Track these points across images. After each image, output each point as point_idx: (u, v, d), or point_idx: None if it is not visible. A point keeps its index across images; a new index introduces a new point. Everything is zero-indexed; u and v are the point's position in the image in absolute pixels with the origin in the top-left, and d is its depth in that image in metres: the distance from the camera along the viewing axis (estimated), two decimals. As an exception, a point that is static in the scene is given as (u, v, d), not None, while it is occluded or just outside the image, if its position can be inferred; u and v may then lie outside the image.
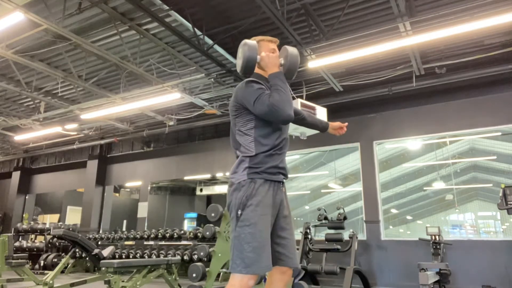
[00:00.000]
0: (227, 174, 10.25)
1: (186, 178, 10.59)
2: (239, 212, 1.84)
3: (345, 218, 6.29)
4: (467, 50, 6.48)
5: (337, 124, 2.59)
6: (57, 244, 10.09)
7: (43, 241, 10.32)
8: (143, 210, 10.62)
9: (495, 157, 6.86)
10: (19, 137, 10.50)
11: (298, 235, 6.63)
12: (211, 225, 7.13)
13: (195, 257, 7.39)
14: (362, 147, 7.78)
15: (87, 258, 8.43)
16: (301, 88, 7.71)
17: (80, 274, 8.99)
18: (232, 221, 1.88)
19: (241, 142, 1.99)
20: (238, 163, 1.98)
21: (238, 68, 2.07)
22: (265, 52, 2.09)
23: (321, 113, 6.36)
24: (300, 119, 2.47)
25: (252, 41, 2.04)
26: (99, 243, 9.71)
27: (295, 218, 8.67)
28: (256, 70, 2.10)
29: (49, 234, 10.24)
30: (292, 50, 2.05)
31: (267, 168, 1.93)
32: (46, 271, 8.71)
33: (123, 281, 4.65)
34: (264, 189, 1.90)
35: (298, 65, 2.04)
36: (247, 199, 1.85)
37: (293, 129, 6.32)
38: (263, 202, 1.87)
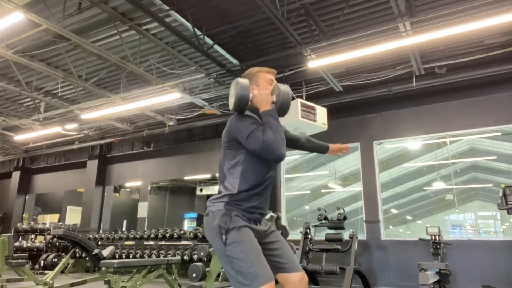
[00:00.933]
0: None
1: (186, 178, 10.59)
2: (224, 237, 1.84)
3: (345, 218, 6.29)
4: (467, 50, 6.48)
5: (336, 146, 2.61)
6: (57, 244, 10.09)
7: (43, 241, 10.32)
8: (143, 210, 10.62)
9: (495, 157, 6.86)
10: (19, 137, 10.50)
11: (298, 235, 6.63)
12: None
13: (195, 257, 7.39)
14: (362, 147, 7.78)
15: (87, 258, 8.43)
16: (301, 88, 7.71)
17: (80, 274, 8.99)
18: (219, 252, 1.86)
19: (227, 176, 1.99)
20: (217, 197, 1.98)
21: (231, 106, 2.05)
22: (263, 83, 2.09)
23: (321, 113, 6.35)
24: (299, 145, 2.47)
25: (244, 80, 2.02)
26: (99, 243, 9.70)
27: (295, 218, 8.68)
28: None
29: (49, 234, 10.24)
30: (284, 87, 2.03)
31: (245, 208, 1.94)
32: (46, 271, 8.71)
33: (123, 281, 4.65)
34: (241, 213, 1.92)
35: (290, 102, 2.03)
36: (226, 224, 1.86)
37: (293, 129, 6.32)
38: (244, 223, 1.89)
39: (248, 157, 1.96)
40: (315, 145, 2.54)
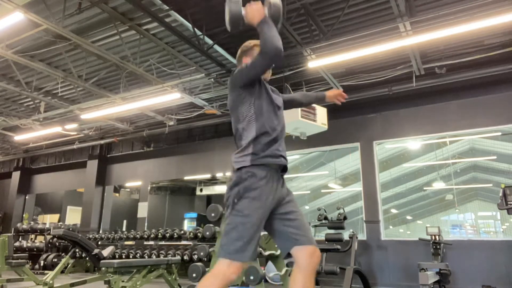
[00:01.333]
0: (227, 174, 10.26)
1: (186, 178, 10.59)
2: (235, 201, 1.90)
3: (345, 218, 6.29)
4: (467, 50, 6.48)
5: (333, 92, 2.64)
6: (57, 244, 10.09)
7: (43, 241, 10.32)
8: (143, 210, 10.61)
9: (495, 157, 6.86)
10: (19, 137, 10.50)
11: (298, 235, 6.61)
12: (211, 225, 7.11)
13: (195, 257, 7.39)
14: (362, 147, 7.78)
15: (87, 258, 8.43)
16: (301, 88, 7.71)
17: (80, 274, 8.99)
18: (228, 209, 1.94)
19: (243, 130, 2.06)
20: (241, 151, 2.02)
21: (227, 26, 2.11)
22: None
23: (321, 113, 6.36)
24: (297, 103, 2.53)
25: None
26: (99, 243, 9.70)
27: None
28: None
29: (49, 234, 10.23)
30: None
31: (270, 152, 1.99)
32: (46, 271, 8.71)
33: (123, 281, 4.65)
34: (264, 183, 1.93)
35: (281, 11, 2.09)
36: (245, 191, 1.90)
37: (293, 129, 6.32)
38: (261, 196, 1.91)
39: (257, 109, 2.04)
40: (312, 98, 2.60)
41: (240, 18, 2.04)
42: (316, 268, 1.99)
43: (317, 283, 6.38)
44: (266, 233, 2.13)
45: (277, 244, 2.05)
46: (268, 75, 2.27)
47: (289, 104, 2.49)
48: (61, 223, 12.22)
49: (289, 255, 1.98)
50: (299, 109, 5.69)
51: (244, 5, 2.06)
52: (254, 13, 2.03)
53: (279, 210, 2.01)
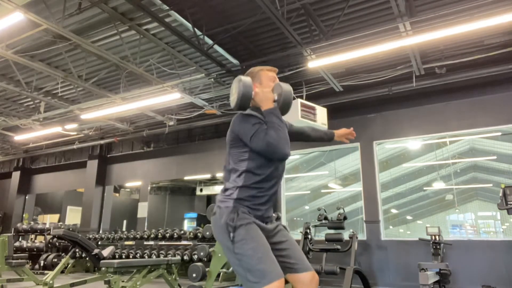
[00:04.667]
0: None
1: (186, 178, 10.59)
2: (231, 235, 1.83)
3: (345, 218, 6.29)
4: (467, 50, 6.48)
5: (342, 131, 2.61)
6: (57, 244, 10.09)
7: (43, 241, 10.32)
8: (143, 210, 10.61)
9: (495, 157, 6.86)
10: (19, 137, 10.50)
11: (298, 235, 6.62)
12: (211, 225, 7.12)
13: (195, 257, 7.39)
14: (362, 147, 7.78)
15: (87, 258, 8.43)
16: (301, 88, 7.71)
17: (80, 274, 8.99)
18: (228, 251, 1.85)
19: (232, 174, 1.99)
20: (224, 196, 1.97)
21: (232, 104, 2.06)
22: (265, 81, 2.12)
23: (321, 113, 6.36)
24: (305, 137, 2.48)
25: (246, 78, 2.04)
26: (99, 243, 9.70)
27: (295, 218, 8.68)
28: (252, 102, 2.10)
29: (49, 234, 10.24)
30: (285, 86, 2.05)
31: (252, 204, 1.93)
32: (46, 271, 8.71)
33: (123, 281, 4.65)
34: (247, 215, 1.90)
35: (291, 100, 2.04)
36: (234, 221, 1.85)
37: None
38: (252, 221, 1.88)
39: (253, 155, 1.96)
40: (321, 134, 2.55)
41: (249, 101, 2.01)
42: None
43: (317, 283, 6.37)
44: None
45: None
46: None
47: (297, 136, 2.42)
48: (61, 223, 12.21)
49: (286, 282, 1.91)
50: (299, 109, 5.68)
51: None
52: (263, 98, 2.00)
53: (270, 240, 1.95)
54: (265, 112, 1.96)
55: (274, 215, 2.10)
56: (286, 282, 1.89)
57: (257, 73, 2.17)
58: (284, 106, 2.03)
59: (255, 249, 1.78)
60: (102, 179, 11.53)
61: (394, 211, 7.66)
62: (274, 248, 1.94)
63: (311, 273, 1.93)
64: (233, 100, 2.06)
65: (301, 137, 2.46)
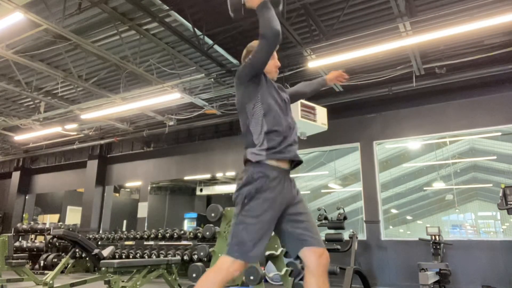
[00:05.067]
0: (227, 174, 10.25)
1: (186, 178, 10.59)
2: (246, 201, 1.89)
3: (345, 218, 6.29)
4: (467, 50, 6.48)
5: (332, 74, 2.66)
6: (57, 244, 10.09)
7: (43, 241, 10.32)
8: (143, 210, 10.61)
9: (495, 157, 6.86)
10: (19, 137, 10.50)
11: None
12: (211, 225, 7.12)
13: (195, 257, 7.39)
14: (362, 147, 7.78)
15: (87, 258, 8.43)
16: (301, 88, 7.70)
17: (80, 274, 8.99)
18: (237, 207, 1.93)
19: (251, 125, 2.04)
20: (254, 146, 2.01)
21: (230, 12, 2.17)
22: None
23: (321, 113, 6.36)
24: (302, 95, 2.54)
25: None
26: (99, 243, 9.70)
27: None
28: None
29: (49, 234, 10.23)
30: None
31: (282, 148, 1.98)
32: (46, 271, 8.71)
33: (123, 281, 4.65)
34: (275, 184, 1.93)
35: None
36: (257, 192, 1.89)
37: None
38: (272, 198, 1.90)
39: (266, 105, 2.03)
40: (314, 85, 2.61)
41: (240, 4, 2.09)
42: (326, 269, 1.98)
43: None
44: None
45: (285, 245, 2.04)
46: (275, 74, 2.28)
47: (294, 97, 2.49)
48: (61, 223, 12.21)
49: (298, 257, 1.99)
50: (299, 109, 5.68)
51: None
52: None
53: (288, 211, 2.00)
54: (257, 9, 2.02)
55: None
56: (298, 257, 1.98)
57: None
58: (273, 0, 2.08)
59: (254, 226, 1.85)
60: (102, 179, 11.53)
61: (394, 211, 7.66)
62: (293, 219, 1.99)
63: (322, 249, 1.98)
64: (229, 9, 2.16)
65: (298, 97, 2.53)
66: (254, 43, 2.26)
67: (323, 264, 1.95)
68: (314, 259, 1.94)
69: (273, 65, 2.29)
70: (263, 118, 2.02)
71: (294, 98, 2.49)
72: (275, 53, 2.25)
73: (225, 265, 1.84)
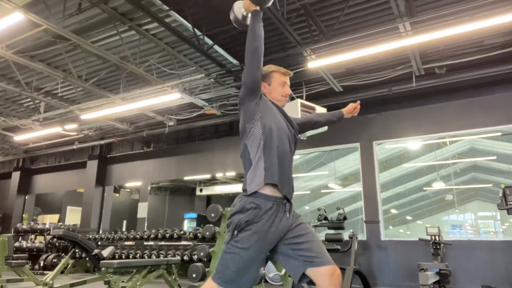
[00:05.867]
0: (227, 174, 10.26)
1: (186, 178, 10.59)
2: (235, 232, 1.88)
3: (345, 218, 6.29)
4: (467, 51, 6.48)
5: (350, 107, 2.57)
6: (57, 244, 10.09)
7: (43, 242, 10.32)
8: (143, 210, 10.61)
9: (495, 157, 6.86)
10: (19, 137, 10.50)
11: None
12: (211, 225, 7.13)
13: (195, 257, 7.39)
14: (362, 147, 7.78)
15: (87, 259, 8.43)
16: (301, 88, 7.71)
17: (80, 274, 8.99)
18: (228, 235, 1.93)
19: (249, 147, 2.00)
20: (246, 178, 1.97)
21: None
22: (275, 84, 2.17)
23: (321, 113, 6.35)
24: (315, 125, 2.44)
25: (235, 4, 2.21)
26: (99, 243, 9.70)
27: (295, 218, 8.66)
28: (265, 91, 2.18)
29: (49, 234, 10.23)
30: None
31: (276, 180, 1.92)
32: (46, 272, 8.71)
33: (123, 282, 4.65)
34: (268, 216, 1.88)
35: None
36: (247, 224, 1.86)
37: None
38: (263, 230, 1.86)
39: (265, 126, 1.98)
40: (328, 117, 2.50)
41: (241, 21, 2.20)
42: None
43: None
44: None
45: (286, 270, 1.97)
46: (283, 101, 2.20)
47: (304, 126, 2.40)
48: (61, 223, 12.21)
49: (303, 277, 1.91)
50: (299, 109, 5.68)
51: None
52: (246, 5, 2.12)
53: (287, 235, 1.94)
54: (251, 15, 2.05)
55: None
56: (307, 277, 1.90)
57: (270, 74, 2.18)
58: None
59: (241, 257, 1.84)
60: (102, 179, 11.53)
61: (394, 211, 7.66)
62: (291, 242, 1.92)
63: (332, 267, 1.88)
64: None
65: (309, 126, 2.42)
66: (268, 68, 2.21)
67: (335, 284, 1.85)
68: (325, 279, 1.85)
69: (280, 93, 2.18)
70: (261, 137, 1.97)
71: (305, 126, 2.39)
72: (286, 81, 2.19)
73: None
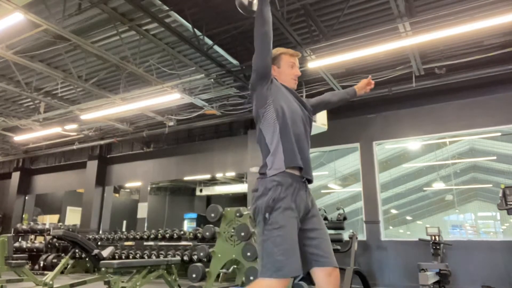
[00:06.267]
0: (227, 174, 10.26)
1: (186, 178, 10.60)
2: (267, 215, 1.82)
3: (345, 218, 6.29)
4: (467, 51, 6.48)
5: (362, 83, 2.53)
6: (56, 244, 10.08)
7: (43, 242, 10.31)
8: (143, 211, 10.61)
9: (495, 158, 6.86)
10: (19, 138, 10.50)
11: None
12: (211, 225, 7.12)
13: (195, 257, 7.38)
14: (362, 148, 7.78)
15: (87, 259, 8.42)
16: (301, 88, 7.71)
17: (80, 274, 8.98)
18: (259, 225, 1.86)
19: (265, 133, 2.00)
20: (264, 163, 1.97)
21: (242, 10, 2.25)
22: (284, 66, 2.18)
23: (321, 113, 6.36)
24: (326, 105, 2.42)
25: None
26: (99, 243, 9.70)
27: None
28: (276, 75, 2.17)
29: (48, 234, 10.23)
30: None
31: (295, 163, 1.92)
32: (45, 272, 8.70)
33: (123, 282, 4.65)
34: (291, 191, 1.88)
35: None
36: (275, 202, 1.83)
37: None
38: (291, 205, 1.85)
39: (278, 109, 1.98)
40: (342, 95, 2.47)
41: (246, 7, 2.16)
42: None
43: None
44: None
45: None
46: (293, 83, 2.20)
47: (319, 106, 2.39)
48: (61, 223, 12.20)
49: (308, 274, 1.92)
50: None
51: None
52: None
53: (302, 225, 1.93)
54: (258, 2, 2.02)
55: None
56: (308, 274, 1.90)
57: (279, 56, 2.19)
58: None
59: (283, 238, 1.78)
60: (102, 179, 11.52)
61: (394, 211, 7.66)
62: (305, 236, 1.91)
63: (332, 268, 1.90)
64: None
65: (322, 106, 2.41)
66: (276, 51, 2.21)
67: (333, 284, 1.88)
68: (323, 278, 1.88)
69: (289, 74, 2.18)
70: (275, 121, 1.97)
71: (318, 107, 2.38)
72: (295, 62, 2.20)
73: None
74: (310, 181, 2.02)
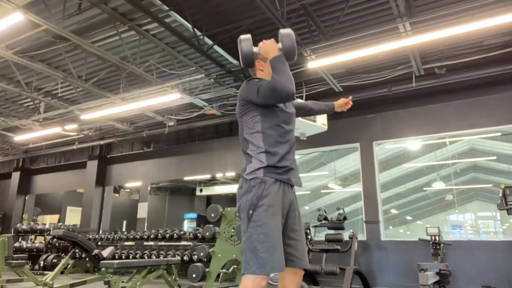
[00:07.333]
0: (227, 174, 10.25)
1: (186, 178, 10.59)
2: (250, 212, 1.85)
3: (345, 218, 6.29)
4: (467, 51, 6.49)
5: (341, 102, 2.63)
6: (57, 244, 10.09)
7: (43, 242, 10.32)
8: (143, 211, 10.61)
9: (495, 158, 6.86)
10: (19, 138, 10.50)
11: (298, 236, 6.61)
12: (211, 225, 7.13)
13: (195, 257, 7.39)
14: (362, 148, 7.78)
15: (87, 259, 8.43)
16: (301, 88, 7.71)
17: (80, 274, 8.98)
18: (243, 222, 1.89)
19: (249, 138, 2.01)
20: (248, 163, 1.99)
21: (242, 65, 2.14)
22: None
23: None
24: (307, 111, 2.50)
25: (246, 35, 2.08)
26: (99, 243, 9.70)
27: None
28: (258, 73, 2.13)
29: (49, 234, 10.23)
30: (285, 31, 2.06)
31: (277, 164, 1.94)
32: (46, 272, 8.70)
33: (123, 282, 4.65)
34: (275, 189, 1.91)
35: (295, 44, 2.04)
36: (258, 199, 1.85)
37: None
38: (274, 203, 1.88)
39: (264, 118, 1.99)
40: (322, 107, 2.58)
41: (252, 56, 2.07)
42: (299, 286, 2.00)
43: (317, 283, 6.38)
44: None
45: None
46: None
47: (300, 111, 2.45)
48: (61, 223, 12.20)
49: None
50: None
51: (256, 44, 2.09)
52: (268, 49, 2.03)
53: (286, 222, 1.97)
54: (271, 62, 1.97)
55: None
56: None
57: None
58: (288, 52, 2.03)
59: (266, 235, 1.80)
60: (102, 179, 11.53)
61: (394, 211, 7.66)
62: (286, 234, 1.95)
63: (301, 270, 1.99)
64: (241, 61, 2.11)
65: (303, 111, 2.49)
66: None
67: (296, 282, 1.97)
68: (290, 277, 1.97)
69: None
70: (261, 134, 1.98)
71: (300, 111, 2.44)
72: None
73: (249, 285, 1.77)
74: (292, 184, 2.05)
